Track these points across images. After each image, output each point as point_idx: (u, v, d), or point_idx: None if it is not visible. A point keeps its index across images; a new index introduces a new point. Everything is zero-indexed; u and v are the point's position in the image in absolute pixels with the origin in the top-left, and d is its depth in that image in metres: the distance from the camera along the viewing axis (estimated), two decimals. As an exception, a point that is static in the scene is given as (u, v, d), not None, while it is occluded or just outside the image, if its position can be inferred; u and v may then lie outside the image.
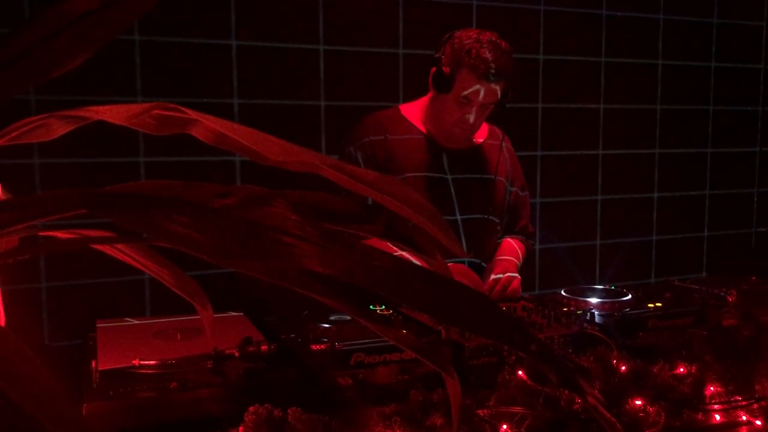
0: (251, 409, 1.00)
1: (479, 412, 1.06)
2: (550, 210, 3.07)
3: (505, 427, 1.04)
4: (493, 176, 2.02)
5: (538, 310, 1.52)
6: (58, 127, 0.63)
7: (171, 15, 2.39)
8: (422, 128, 2.00)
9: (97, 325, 1.38)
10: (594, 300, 1.53)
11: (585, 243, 3.19)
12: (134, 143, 2.38)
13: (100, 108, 0.61)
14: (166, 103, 0.63)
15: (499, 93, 1.86)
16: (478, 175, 2.02)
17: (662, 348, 1.34)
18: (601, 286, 1.66)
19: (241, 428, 0.99)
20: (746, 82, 3.50)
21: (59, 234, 0.72)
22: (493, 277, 1.84)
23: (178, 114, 0.61)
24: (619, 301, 1.52)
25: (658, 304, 1.53)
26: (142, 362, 1.14)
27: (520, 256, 2.04)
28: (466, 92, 1.84)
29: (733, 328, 1.49)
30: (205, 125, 0.63)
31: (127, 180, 0.67)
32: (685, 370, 1.24)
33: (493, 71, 1.80)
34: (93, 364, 1.17)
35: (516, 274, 1.88)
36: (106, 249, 0.73)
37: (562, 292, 1.61)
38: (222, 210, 0.51)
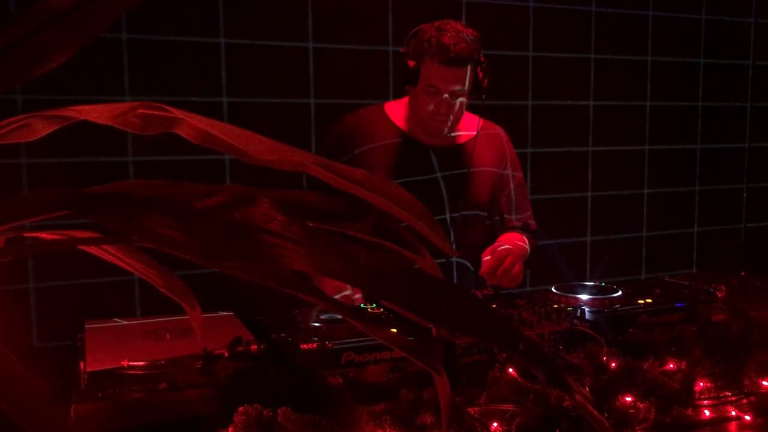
0: (241, 409, 0.99)
1: (470, 410, 1.06)
2: (540, 207, 3.06)
3: (495, 424, 1.04)
4: (476, 168, 1.99)
5: (529, 307, 1.51)
6: (40, 127, 0.62)
7: (159, 13, 2.37)
8: (404, 127, 1.98)
9: (86, 326, 1.37)
10: (584, 296, 1.53)
11: (575, 239, 3.20)
12: (123, 143, 2.37)
13: (84, 107, 0.61)
14: (151, 102, 0.63)
15: (465, 79, 1.84)
16: (459, 171, 1.98)
17: (652, 344, 1.34)
18: (592, 283, 1.66)
19: (230, 429, 0.99)
20: (735, 79, 3.52)
21: (46, 235, 0.71)
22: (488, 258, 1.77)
23: (163, 113, 0.61)
24: (609, 298, 1.52)
25: (648, 301, 1.53)
26: (130, 363, 1.13)
27: (525, 246, 1.96)
28: (431, 81, 1.83)
29: (723, 324, 1.49)
30: (191, 124, 0.62)
31: (116, 179, 0.67)
32: (675, 366, 1.24)
33: (452, 56, 1.79)
34: (81, 365, 1.16)
35: (510, 248, 1.79)
36: (94, 250, 0.73)
37: (553, 289, 1.61)
38: (206, 210, 0.50)
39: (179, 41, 2.42)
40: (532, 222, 2.12)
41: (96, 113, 0.60)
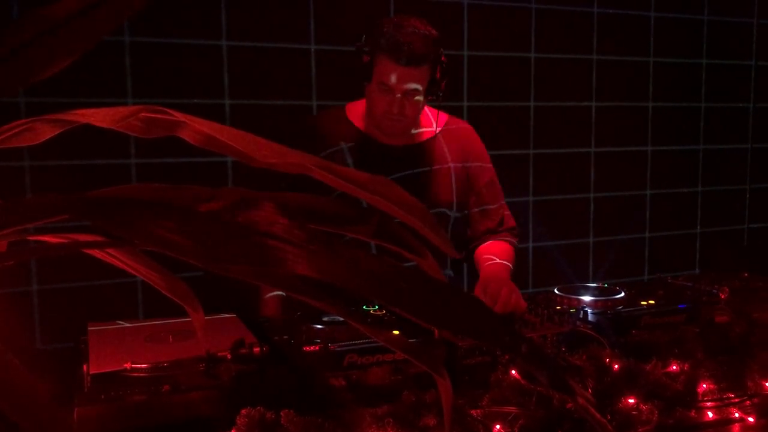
0: (244, 411, 0.99)
1: (472, 412, 1.06)
2: (542, 208, 3.08)
3: (498, 426, 1.04)
4: (438, 166, 1.93)
5: (531, 309, 1.52)
6: (44, 131, 0.63)
7: (161, 16, 2.38)
8: (362, 127, 1.92)
9: (89, 329, 1.37)
10: (587, 298, 1.53)
11: (578, 241, 3.20)
12: (125, 145, 2.37)
13: (87, 111, 0.61)
14: (153, 105, 0.63)
15: (419, 78, 1.77)
16: (418, 170, 1.91)
17: (655, 345, 1.34)
18: (594, 284, 1.66)
19: (233, 431, 0.99)
20: (737, 80, 3.51)
21: (49, 238, 0.72)
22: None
23: (165, 116, 0.61)
24: (612, 299, 1.52)
25: (651, 302, 1.53)
26: (133, 365, 1.14)
27: (509, 264, 1.90)
28: (382, 79, 1.77)
29: (726, 325, 1.49)
30: (193, 127, 0.62)
31: (119, 182, 0.67)
32: (678, 368, 1.24)
33: (406, 55, 1.73)
34: (84, 367, 1.17)
35: (499, 279, 1.69)
36: (97, 253, 0.73)
37: (555, 291, 1.61)
38: (208, 213, 0.50)
39: (181, 44, 2.42)
40: (508, 216, 2.02)
41: (99, 117, 0.61)
